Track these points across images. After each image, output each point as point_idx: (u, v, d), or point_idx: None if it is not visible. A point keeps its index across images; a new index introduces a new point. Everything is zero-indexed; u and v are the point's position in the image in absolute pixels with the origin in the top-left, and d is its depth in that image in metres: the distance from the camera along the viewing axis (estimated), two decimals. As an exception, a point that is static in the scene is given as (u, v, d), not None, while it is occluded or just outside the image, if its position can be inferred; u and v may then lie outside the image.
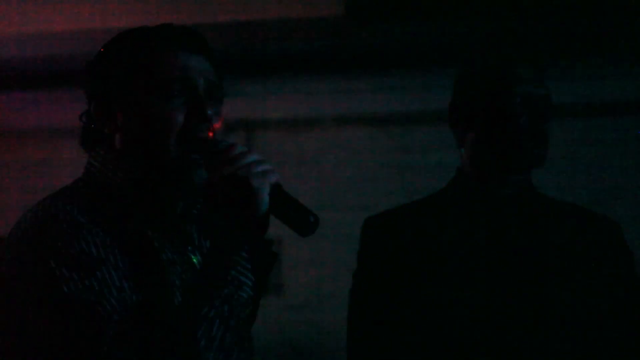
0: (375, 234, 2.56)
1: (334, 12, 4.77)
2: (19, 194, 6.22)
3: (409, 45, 5.55)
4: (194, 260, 1.94)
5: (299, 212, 1.83)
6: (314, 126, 6.38)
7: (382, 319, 2.52)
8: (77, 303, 1.71)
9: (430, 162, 5.95)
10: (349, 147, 6.34)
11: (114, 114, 1.91)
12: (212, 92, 1.92)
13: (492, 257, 2.45)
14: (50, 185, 2.48)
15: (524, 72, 2.46)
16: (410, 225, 2.53)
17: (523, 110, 2.42)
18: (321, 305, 6.01)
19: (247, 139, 6.39)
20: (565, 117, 5.87)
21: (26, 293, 1.76)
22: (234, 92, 6.09)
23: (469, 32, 5.13)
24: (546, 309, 2.42)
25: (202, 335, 1.72)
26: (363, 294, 2.56)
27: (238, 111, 6.23)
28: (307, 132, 6.40)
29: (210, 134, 1.90)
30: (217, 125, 1.92)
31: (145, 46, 1.92)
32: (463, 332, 2.41)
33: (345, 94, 6.20)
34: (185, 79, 1.88)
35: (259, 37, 5.25)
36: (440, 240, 2.48)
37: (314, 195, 6.16)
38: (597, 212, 2.59)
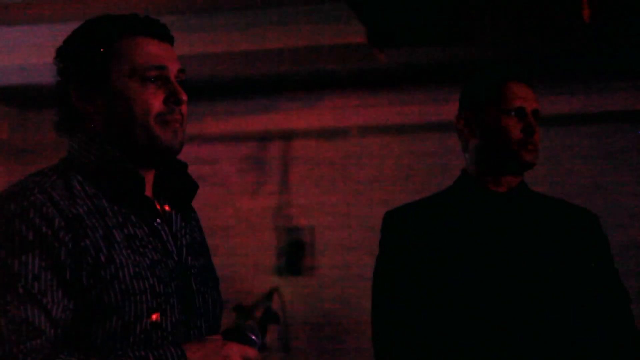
0: (393, 224, 2.59)
1: (358, 40, 4.78)
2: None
3: (419, 66, 5.53)
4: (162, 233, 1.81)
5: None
6: (340, 135, 6.33)
7: (399, 295, 2.52)
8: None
9: (436, 165, 5.88)
10: (370, 152, 6.29)
11: (93, 96, 1.80)
12: (180, 77, 1.84)
13: (492, 243, 2.45)
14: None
15: (517, 89, 2.48)
16: (423, 217, 2.55)
17: (516, 123, 2.45)
18: (349, 283, 6.02)
19: (285, 146, 6.35)
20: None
21: None
22: (275, 107, 6.26)
23: (469, 54, 5.13)
24: (540, 285, 2.42)
25: None
26: (384, 274, 2.57)
27: (278, 123, 6.26)
28: (335, 141, 6.35)
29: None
30: (184, 98, 1.82)
31: (119, 32, 1.81)
32: (468, 306, 2.41)
33: (367, 107, 6.15)
34: (160, 66, 1.80)
35: (296, 61, 5.20)
36: (448, 229, 2.49)
37: (342, 193, 6.25)
38: (578, 206, 2.61)
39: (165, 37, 1.85)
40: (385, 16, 4.64)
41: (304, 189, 6.37)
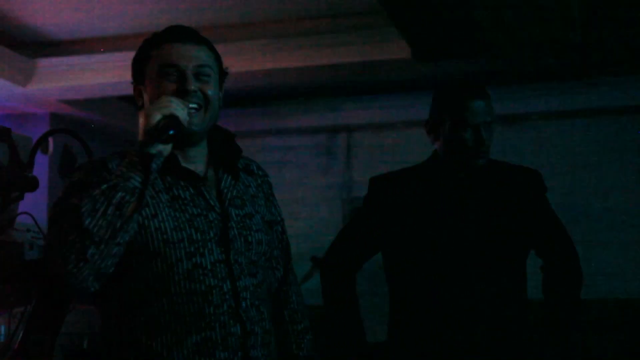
0: (376, 187, 2.47)
1: (404, 56, 4.77)
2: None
3: (449, 75, 5.38)
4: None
5: (163, 127, 1.62)
6: (390, 128, 6.27)
7: (363, 240, 2.48)
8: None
9: None
10: (412, 141, 6.11)
11: (140, 91, 1.79)
12: (200, 71, 1.76)
13: (453, 205, 2.36)
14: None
15: (471, 106, 2.32)
16: (400, 183, 2.45)
17: (470, 136, 2.32)
18: None
19: (348, 137, 6.31)
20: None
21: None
22: (341, 107, 6.28)
23: (487, 66, 5.11)
24: (493, 232, 2.33)
25: (85, 206, 1.56)
26: (358, 219, 2.53)
27: (343, 120, 6.25)
28: (386, 132, 6.29)
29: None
30: (210, 88, 1.75)
31: (155, 42, 1.78)
32: (434, 256, 2.32)
33: (409, 107, 6.04)
34: (175, 65, 1.73)
35: (357, 73, 5.20)
36: (420, 192, 2.40)
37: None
38: (522, 165, 2.50)
39: (189, 39, 1.77)
40: (426, 37, 4.59)
41: (362, 169, 6.36)
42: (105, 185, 1.58)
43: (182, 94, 1.71)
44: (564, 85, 5.66)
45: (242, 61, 4.49)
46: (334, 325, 2.46)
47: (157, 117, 1.62)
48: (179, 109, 1.65)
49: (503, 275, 2.34)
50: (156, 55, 1.76)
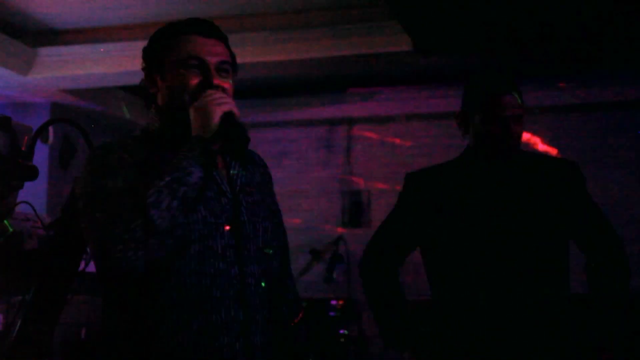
0: (412, 182, 2.46)
1: (405, 49, 4.74)
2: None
3: (450, 68, 5.47)
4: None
5: (237, 132, 1.68)
6: (390, 121, 6.26)
7: (401, 235, 2.44)
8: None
9: (463, 144, 5.90)
10: (413, 133, 6.22)
11: (155, 81, 1.79)
12: (221, 67, 1.77)
13: (490, 199, 2.32)
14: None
15: (499, 99, 2.29)
16: (434, 178, 2.44)
17: (497, 128, 2.29)
18: None
19: (348, 129, 6.30)
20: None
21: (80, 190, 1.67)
22: (341, 100, 6.26)
23: (485, 59, 5.11)
24: (531, 224, 2.29)
25: (151, 197, 1.59)
26: (394, 216, 2.47)
27: (343, 112, 6.25)
28: (387, 125, 6.28)
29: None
30: (227, 85, 1.77)
31: (176, 32, 1.79)
32: (472, 249, 2.28)
33: (411, 100, 6.07)
34: (198, 58, 1.74)
35: (358, 65, 5.18)
36: (454, 187, 2.38)
37: (391, 164, 6.15)
38: (559, 157, 2.46)
39: (212, 34, 1.79)
40: (427, 30, 4.57)
41: (363, 161, 6.36)
42: (169, 178, 1.60)
43: (207, 87, 1.72)
44: (561, 80, 5.68)
45: (243, 53, 4.35)
46: (381, 324, 2.42)
47: (219, 113, 1.65)
48: (233, 106, 1.68)
49: (543, 268, 2.28)
50: (178, 45, 1.76)
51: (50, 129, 5.47)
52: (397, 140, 6.25)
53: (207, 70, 1.74)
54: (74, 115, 5.66)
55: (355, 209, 6.29)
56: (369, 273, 2.46)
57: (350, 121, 6.32)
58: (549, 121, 5.88)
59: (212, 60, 1.75)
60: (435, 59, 5.01)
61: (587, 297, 2.34)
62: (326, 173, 6.36)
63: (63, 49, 5.12)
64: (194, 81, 1.73)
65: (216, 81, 1.74)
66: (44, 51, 5.16)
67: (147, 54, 1.82)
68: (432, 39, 4.69)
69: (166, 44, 1.78)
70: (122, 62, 4.77)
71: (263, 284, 1.77)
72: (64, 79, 5.28)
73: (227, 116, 1.67)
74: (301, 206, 6.19)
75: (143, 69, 1.82)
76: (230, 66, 1.79)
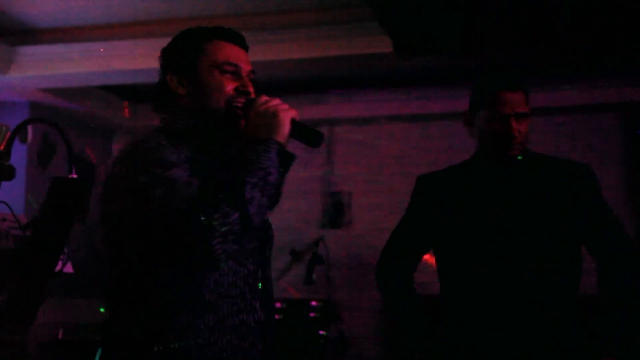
0: (423, 185, 2.47)
1: (385, 50, 4.74)
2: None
3: (430, 70, 5.49)
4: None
5: (310, 132, 1.76)
6: (372, 122, 6.27)
7: (414, 238, 2.46)
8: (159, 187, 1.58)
9: (441, 145, 5.87)
10: (394, 135, 6.24)
11: (183, 81, 1.78)
12: (250, 76, 1.82)
13: (499, 201, 2.32)
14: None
15: (504, 97, 2.28)
16: (444, 181, 2.44)
17: (501, 126, 2.28)
18: (375, 234, 5.77)
19: (330, 130, 6.27)
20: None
21: (124, 189, 1.63)
22: (323, 100, 6.25)
23: (465, 62, 5.11)
24: (540, 224, 2.28)
25: (247, 193, 1.60)
26: (407, 218, 2.48)
27: (324, 113, 6.20)
28: (368, 126, 6.30)
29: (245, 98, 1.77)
30: (251, 89, 1.81)
31: (208, 37, 1.81)
32: (483, 250, 2.29)
33: (392, 101, 6.06)
34: (235, 64, 1.78)
35: (339, 66, 5.19)
36: (464, 188, 2.38)
37: (372, 166, 6.19)
38: (571, 160, 2.45)
39: (242, 44, 1.85)
40: (407, 32, 4.58)
41: (344, 162, 6.36)
42: (258, 175, 1.64)
43: (244, 94, 1.78)
44: (544, 81, 5.67)
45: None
46: (402, 330, 2.43)
47: (289, 118, 1.72)
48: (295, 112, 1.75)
49: (554, 269, 2.27)
50: (212, 50, 1.79)
51: (29, 128, 5.42)
52: (378, 142, 6.26)
53: (241, 77, 1.79)
54: (53, 115, 5.60)
55: (335, 209, 6.29)
56: (385, 279, 2.47)
57: (331, 122, 6.30)
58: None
59: (246, 68, 1.81)
60: (414, 61, 5.02)
61: (597, 299, 2.33)
62: (307, 174, 6.35)
63: (42, 48, 5.07)
64: (230, 86, 1.77)
65: (250, 89, 1.79)
66: (23, 50, 5.11)
67: (172, 54, 1.83)
68: (411, 41, 4.70)
69: (199, 47, 1.80)
70: (101, 62, 4.72)
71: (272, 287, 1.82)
72: (43, 78, 5.24)
73: (295, 121, 1.74)
74: (281, 207, 6.17)
75: (164, 68, 1.82)
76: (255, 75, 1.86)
